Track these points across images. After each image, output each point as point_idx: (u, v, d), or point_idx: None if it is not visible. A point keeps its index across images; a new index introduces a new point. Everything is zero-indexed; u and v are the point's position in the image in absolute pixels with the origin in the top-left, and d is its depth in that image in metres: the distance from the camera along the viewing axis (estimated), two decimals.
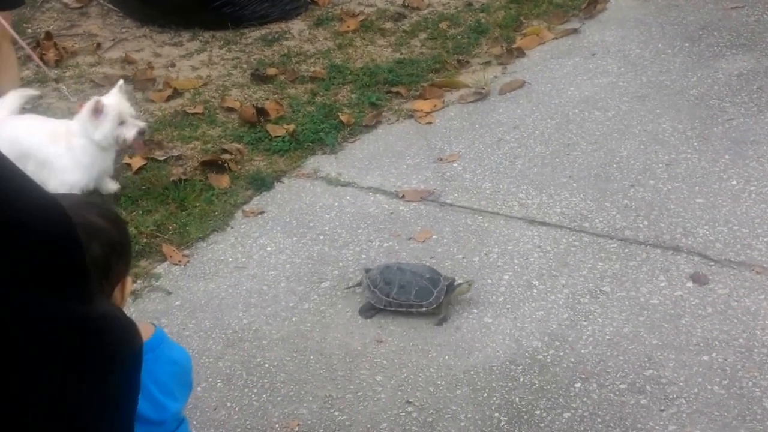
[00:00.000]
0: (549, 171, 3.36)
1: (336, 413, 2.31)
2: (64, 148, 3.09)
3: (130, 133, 3.10)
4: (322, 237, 3.01)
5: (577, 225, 3.02)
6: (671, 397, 2.25)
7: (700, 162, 3.33)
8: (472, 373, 2.39)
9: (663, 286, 2.68)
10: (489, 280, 2.77)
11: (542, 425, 2.20)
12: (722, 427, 2.14)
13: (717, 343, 2.43)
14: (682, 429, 2.15)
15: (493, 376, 2.37)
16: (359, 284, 2.71)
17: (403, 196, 3.19)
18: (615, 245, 2.90)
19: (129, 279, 1.51)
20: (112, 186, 3.26)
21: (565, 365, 2.40)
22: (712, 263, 2.76)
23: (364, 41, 4.38)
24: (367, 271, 2.71)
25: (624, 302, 2.63)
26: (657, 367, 2.36)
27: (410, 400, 2.31)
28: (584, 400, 2.27)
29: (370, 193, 3.24)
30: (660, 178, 3.26)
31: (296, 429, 2.27)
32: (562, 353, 2.44)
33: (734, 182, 3.18)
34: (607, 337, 2.49)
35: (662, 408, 2.22)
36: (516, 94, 3.92)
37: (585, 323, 2.55)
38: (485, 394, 2.31)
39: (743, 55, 4.10)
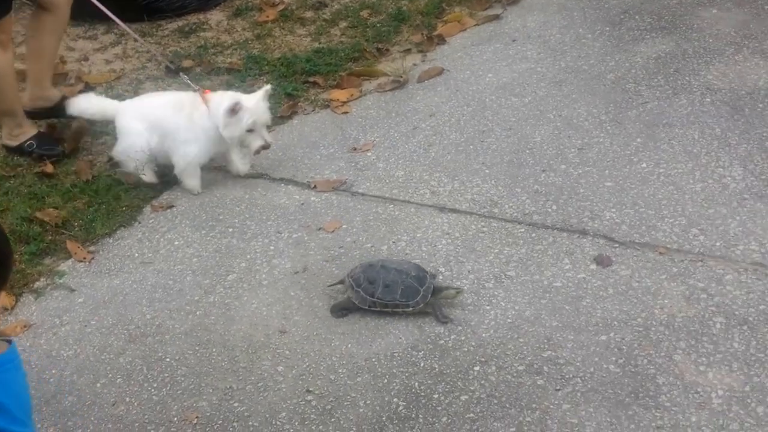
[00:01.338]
0: (463, 158, 3.37)
1: (235, 404, 2.29)
2: (185, 119, 3.08)
3: (255, 143, 3.09)
4: (231, 230, 2.98)
5: (486, 211, 3.04)
6: (567, 376, 2.28)
7: (612, 146, 3.37)
8: (373, 360, 2.39)
9: (567, 269, 2.71)
10: None
11: (439, 408, 2.21)
12: (615, 405, 2.17)
13: (616, 323, 2.47)
14: (575, 407, 2.17)
15: (394, 363, 2.38)
16: (341, 282, 2.63)
17: (314, 187, 3.18)
18: (523, 230, 2.92)
19: (3, 293, 1.45)
20: (243, 167, 3.24)
21: (465, 349, 2.41)
22: (617, 245, 2.79)
23: (283, 31, 4.35)
24: (350, 270, 2.62)
25: (528, 286, 2.65)
26: (555, 348, 2.38)
27: (310, 389, 2.31)
28: (482, 382, 2.29)
29: (282, 185, 3.22)
30: (571, 162, 3.29)
31: (195, 421, 2.25)
32: (463, 338, 2.45)
33: (644, 165, 3.22)
34: (509, 320, 2.51)
35: (558, 387, 2.24)
36: (434, 81, 3.92)
37: (488, 307, 2.57)
38: (385, 380, 2.32)
39: (663, 38, 4.15)
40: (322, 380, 2.34)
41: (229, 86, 3.83)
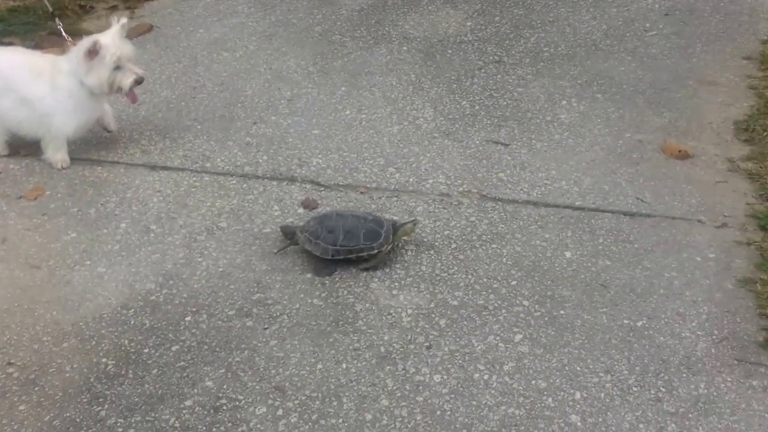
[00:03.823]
0: (174, 115, 3.37)
1: None
2: (48, 87, 2.77)
3: (126, 80, 2.83)
4: None
5: (198, 166, 3.07)
6: (275, 315, 2.40)
7: (320, 95, 3.53)
8: (81, 324, 2.37)
9: (276, 215, 2.83)
10: (105, 230, 2.74)
11: (150, 362, 2.25)
12: (318, 335, 2.33)
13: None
14: (282, 342, 2.30)
15: (103, 324, 2.37)
16: (294, 243, 2.59)
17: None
18: (234, 182, 2.99)
19: None
20: (112, 125, 3.13)
21: (177, 302, 2.45)
22: (323, 189, 2.95)
23: None
24: (301, 226, 2.56)
25: (239, 235, 2.73)
26: (264, 290, 2.50)
27: (12, 361, 2.24)
28: (193, 331, 2.35)
29: None
30: (281, 113, 3.41)
31: None
32: (175, 291, 2.49)
33: (348, 112, 3.41)
34: (221, 269, 2.58)
35: (266, 326, 2.36)
36: (143, 38, 3.86)
37: (200, 259, 2.62)
38: (93, 343, 2.31)
39: None
40: (24, 351, 2.28)
41: None
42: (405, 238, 2.65)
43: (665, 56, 3.72)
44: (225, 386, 2.17)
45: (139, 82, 2.94)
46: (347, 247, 2.52)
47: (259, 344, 2.31)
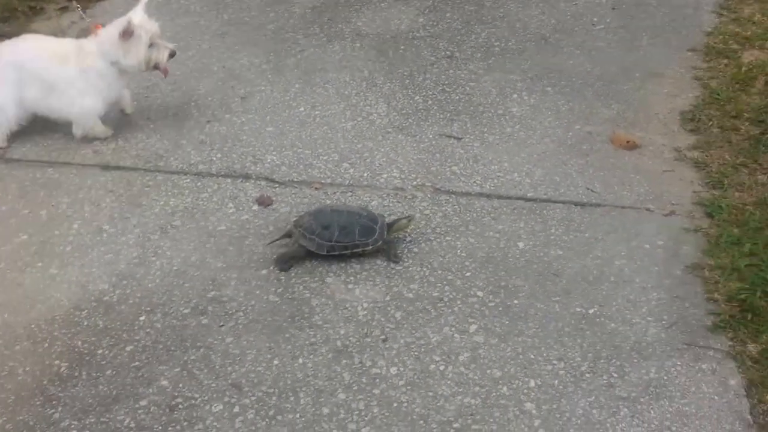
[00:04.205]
0: (126, 115, 3.34)
1: None
2: (77, 70, 2.92)
3: (162, 55, 2.96)
4: None
5: (152, 165, 3.05)
6: (230, 312, 2.40)
7: (273, 93, 3.52)
8: (33, 326, 2.34)
9: (231, 212, 2.82)
10: (57, 231, 2.71)
11: (104, 363, 2.23)
12: (274, 331, 2.33)
13: (275, 257, 2.62)
14: (237, 339, 2.30)
15: (56, 326, 2.34)
16: (288, 236, 2.58)
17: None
18: (188, 180, 2.98)
19: None
20: (129, 107, 3.24)
21: (131, 302, 2.44)
22: (277, 185, 2.95)
23: None
24: (295, 220, 2.58)
25: (193, 233, 2.72)
26: (220, 287, 2.49)
27: None
28: (148, 330, 2.33)
29: None
30: (235, 111, 3.39)
31: None
32: (129, 291, 2.48)
33: (302, 109, 3.41)
34: (175, 268, 2.57)
35: (221, 324, 2.36)
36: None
37: (154, 258, 2.61)
38: (46, 345, 2.28)
39: None
40: None
41: None
42: (401, 233, 2.67)
43: (613, 49, 3.79)
44: (181, 385, 2.16)
45: (172, 55, 3.06)
46: (342, 244, 2.54)
47: (215, 342, 2.30)
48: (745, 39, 3.78)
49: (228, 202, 2.87)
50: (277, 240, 2.64)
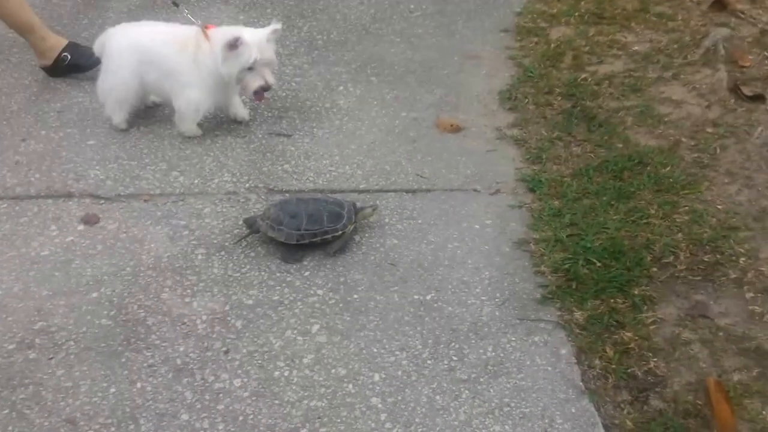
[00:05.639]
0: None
1: None
2: (191, 60, 2.92)
3: (253, 83, 2.92)
4: None
5: None
6: (60, 342, 2.28)
7: (92, 104, 3.36)
8: None
9: (54, 235, 2.68)
10: None
11: None
12: (109, 357, 2.24)
13: (106, 277, 2.52)
14: (70, 370, 2.19)
15: None
16: (255, 232, 2.56)
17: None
18: (5, 205, 2.80)
19: None
20: (243, 112, 3.18)
21: None
22: (103, 201, 2.83)
23: None
24: (261, 214, 2.54)
25: (14, 261, 2.57)
26: (47, 317, 2.36)
27: None
28: None
29: None
30: (52, 127, 3.22)
31: None
32: None
33: None
34: None
35: (51, 356, 2.24)
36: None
37: None
38: None
39: None
40: None
41: None
42: (364, 221, 2.66)
43: (431, 35, 3.88)
44: (10, 428, 2.04)
45: (265, 89, 2.98)
46: (311, 231, 2.51)
47: (45, 376, 2.19)
48: (551, 16, 3.96)
49: (50, 225, 2.72)
50: (245, 237, 2.60)
